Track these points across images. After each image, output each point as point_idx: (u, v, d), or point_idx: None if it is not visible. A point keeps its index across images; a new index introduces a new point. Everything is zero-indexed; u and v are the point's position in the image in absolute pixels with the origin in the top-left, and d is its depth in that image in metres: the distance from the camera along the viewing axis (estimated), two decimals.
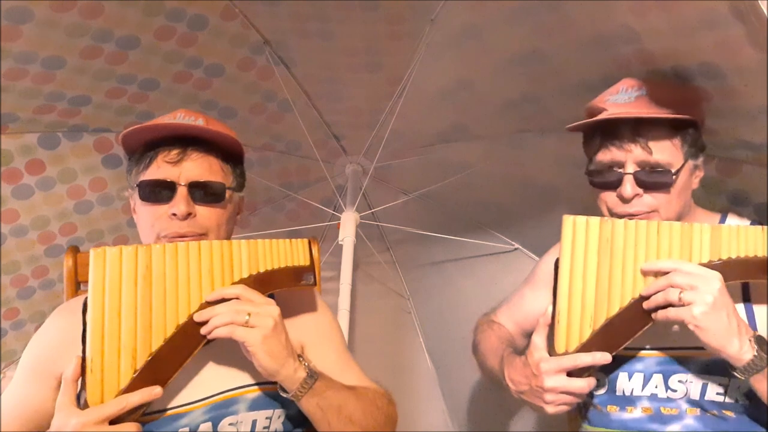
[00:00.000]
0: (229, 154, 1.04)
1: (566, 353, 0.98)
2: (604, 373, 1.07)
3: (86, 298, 0.87)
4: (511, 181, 1.76)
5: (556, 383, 0.97)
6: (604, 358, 0.97)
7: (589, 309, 0.98)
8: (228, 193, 1.01)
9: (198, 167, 0.98)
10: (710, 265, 0.96)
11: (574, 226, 0.99)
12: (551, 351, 0.99)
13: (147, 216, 0.97)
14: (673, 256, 0.97)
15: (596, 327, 0.97)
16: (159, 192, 0.96)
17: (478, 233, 1.92)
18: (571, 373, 0.98)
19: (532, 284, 1.28)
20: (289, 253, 1.00)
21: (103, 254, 0.86)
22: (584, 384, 0.98)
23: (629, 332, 0.98)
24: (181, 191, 0.96)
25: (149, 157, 0.97)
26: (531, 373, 1.00)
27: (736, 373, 0.93)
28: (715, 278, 0.93)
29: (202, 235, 0.98)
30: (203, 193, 0.98)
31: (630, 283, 0.98)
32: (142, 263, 0.87)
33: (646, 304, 0.96)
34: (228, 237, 1.03)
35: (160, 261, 0.88)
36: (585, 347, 0.97)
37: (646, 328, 0.97)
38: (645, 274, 0.97)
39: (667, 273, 0.95)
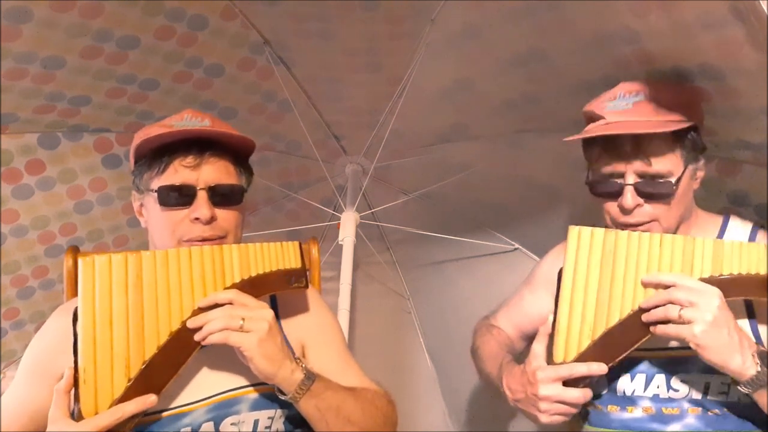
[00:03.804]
0: (239, 154, 1.04)
1: (564, 363, 0.98)
2: (610, 379, 1.07)
3: (76, 307, 0.86)
4: (511, 181, 1.76)
5: (550, 392, 0.97)
6: (600, 368, 0.97)
7: (588, 319, 0.98)
8: (243, 195, 1.02)
9: (215, 171, 0.99)
10: (711, 280, 0.96)
11: (579, 236, 0.99)
12: (549, 360, 0.99)
13: (166, 221, 0.97)
14: (675, 269, 0.97)
15: (595, 337, 0.97)
16: (178, 197, 0.97)
17: (478, 233, 1.92)
18: (567, 383, 0.98)
19: (532, 286, 1.28)
20: (280, 256, 1.00)
21: (92, 263, 0.85)
22: (579, 394, 0.98)
23: (627, 344, 0.98)
24: (202, 195, 0.97)
25: (164, 163, 0.97)
26: (527, 381, 1.00)
27: (740, 387, 0.93)
28: (715, 295, 0.92)
29: (222, 238, 0.98)
30: (222, 196, 0.98)
31: (630, 295, 0.98)
32: (133, 271, 0.87)
33: (645, 317, 0.96)
34: (242, 237, 1.04)
35: (150, 268, 0.88)
36: (582, 357, 0.97)
37: (644, 340, 0.97)
38: (645, 285, 0.97)
39: (667, 286, 0.95)
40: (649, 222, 1.04)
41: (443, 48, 1.46)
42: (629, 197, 1.03)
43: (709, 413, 1.04)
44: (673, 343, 1.05)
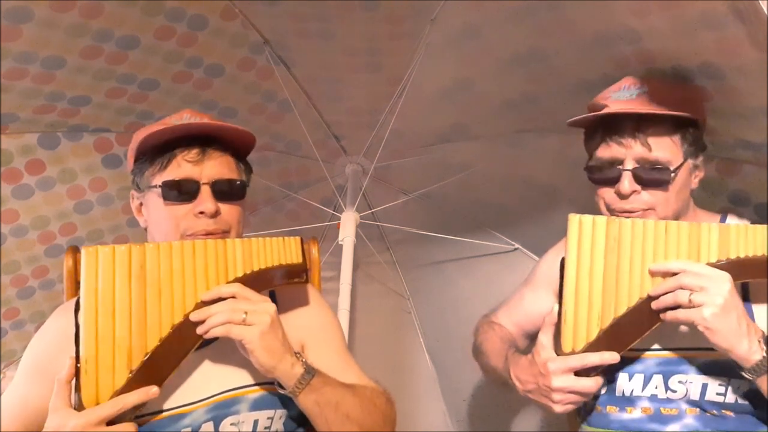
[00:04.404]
0: (240, 151, 1.05)
1: (573, 352, 0.97)
2: (604, 374, 1.07)
3: (78, 298, 0.87)
4: (511, 181, 1.76)
5: (564, 383, 0.97)
6: (612, 357, 0.97)
7: (596, 308, 0.97)
8: (245, 190, 1.03)
9: (218, 165, 0.99)
10: (718, 265, 0.95)
11: (580, 225, 0.98)
12: (558, 350, 0.99)
13: (169, 215, 0.97)
14: (681, 255, 0.97)
15: (603, 326, 0.97)
16: (182, 191, 0.97)
17: (478, 233, 1.92)
18: (578, 373, 0.98)
19: (532, 285, 1.28)
20: (282, 250, 1.00)
21: (95, 253, 0.85)
22: (592, 383, 0.98)
23: (637, 332, 0.97)
24: (205, 190, 0.97)
25: (167, 158, 0.98)
26: (538, 372, 0.99)
27: (744, 374, 0.93)
28: (725, 279, 0.93)
29: (226, 232, 0.99)
30: (225, 190, 0.99)
31: (638, 283, 0.97)
32: (136, 263, 0.87)
33: (654, 305, 0.96)
34: (243, 233, 1.04)
35: (154, 260, 0.88)
36: (592, 347, 0.97)
37: (654, 328, 0.97)
38: (653, 274, 0.97)
39: (675, 273, 0.95)
40: (645, 210, 1.04)
41: (443, 48, 1.46)
42: (626, 183, 1.03)
43: (707, 414, 1.04)
44: (672, 344, 1.05)
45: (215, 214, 0.97)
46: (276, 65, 1.55)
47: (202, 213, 0.96)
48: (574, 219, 0.98)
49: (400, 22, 1.43)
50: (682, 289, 0.93)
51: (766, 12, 0.86)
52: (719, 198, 1.33)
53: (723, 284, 0.92)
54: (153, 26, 1.32)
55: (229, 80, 1.55)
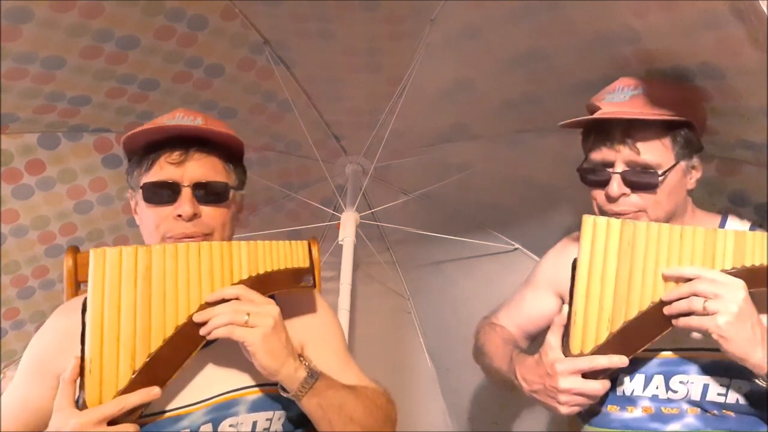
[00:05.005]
0: (230, 152, 1.04)
1: (581, 354, 0.97)
2: (610, 376, 1.06)
3: (86, 298, 0.87)
4: (511, 181, 1.76)
5: (571, 384, 0.96)
6: (621, 361, 0.96)
7: (606, 311, 0.96)
8: (231, 193, 1.02)
9: (201, 167, 0.98)
10: (733, 273, 0.95)
11: (594, 226, 0.96)
12: (566, 351, 0.98)
13: (151, 217, 0.97)
14: (696, 261, 0.96)
15: (613, 329, 0.96)
16: (163, 193, 0.97)
17: (478, 233, 1.92)
18: (585, 375, 0.97)
19: (533, 285, 1.27)
20: (289, 254, 1.00)
21: (103, 254, 0.85)
22: (599, 386, 0.97)
23: (647, 336, 0.96)
24: (186, 192, 0.96)
25: (151, 159, 0.97)
26: (545, 373, 0.99)
27: (758, 381, 0.93)
28: (740, 287, 0.92)
29: (207, 235, 0.98)
30: (207, 193, 0.98)
31: (650, 287, 0.96)
32: (142, 264, 0.87)
33: (666, 310, 0.95)
34: (231, 236, 1.03)
35: (160, 261, 0.88)
36: (601, 349, 0.96)
37: (664, 333, 0.96)
38: (666, 279, 0.96)
39: (689, 279, 0.94)
40: (635, 212, 1.04)
41: (443, 48, 1.46)
42: (615, 186, 1.04)
43: (708, 414, 1.04)
44: (673, 345, 1.04)
45: (193, 217, 0.96)
46: (276, 65, 1.55)
47: (180, 216, 0.96)
48: (588, 220, 0.97)
49: (400, 22, 1.43)
50: (696, 295, 0.92)
51: (766, 12, 0.86)
52: (719, 198, 1.33)
53: (738, 292, 0.91)
54: (153, 26, 1.32)
55: (229, 80, 1.55)
